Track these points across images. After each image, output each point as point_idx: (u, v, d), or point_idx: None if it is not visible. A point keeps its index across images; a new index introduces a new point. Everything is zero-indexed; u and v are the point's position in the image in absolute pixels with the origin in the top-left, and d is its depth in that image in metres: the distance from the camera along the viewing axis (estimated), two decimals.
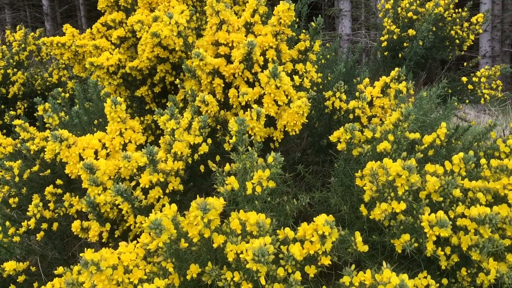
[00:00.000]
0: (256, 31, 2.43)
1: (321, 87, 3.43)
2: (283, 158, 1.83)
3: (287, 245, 1.49)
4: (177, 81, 2.64)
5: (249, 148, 1.87)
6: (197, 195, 1.63)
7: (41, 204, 2.42)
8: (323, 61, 4.17)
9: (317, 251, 1.46)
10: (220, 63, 2.30)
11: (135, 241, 1.60)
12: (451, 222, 1.53)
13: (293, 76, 2.43)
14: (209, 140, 2.19)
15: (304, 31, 2.68)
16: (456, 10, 4.98)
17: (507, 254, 1.64)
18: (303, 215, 2.22)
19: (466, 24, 4.95)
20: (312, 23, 2.47)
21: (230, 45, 2.35)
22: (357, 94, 2.57)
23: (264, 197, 1.78)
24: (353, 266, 1.43)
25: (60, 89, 3.65)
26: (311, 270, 1.50)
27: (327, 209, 2.10)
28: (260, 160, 1.87)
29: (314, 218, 1.47)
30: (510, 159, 1.82)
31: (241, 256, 1.42)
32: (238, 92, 2.27)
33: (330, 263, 1.50)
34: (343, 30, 11.29)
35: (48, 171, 2.63)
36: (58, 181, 2.53)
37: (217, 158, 2.28)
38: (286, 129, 2.23)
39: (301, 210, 2.07)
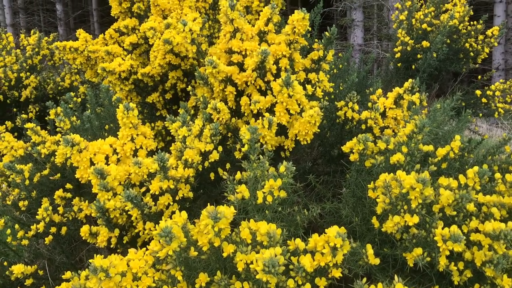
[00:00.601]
0: (269, 40, 2.43)
1: (333, 97, 3.41)
2: (294, 168, 1.82)
3: (298, 256, 1.47)
4: (189, 88, 2.64)
5: (261, 156, 1.86)
6: (207, 203, 1.62)
7: (50, 208, 2.42)
8: (335, 70, 4.16)
9: (328, 263, 1.44)
10: (233, 71, 2.30)
11: (144, 248, 1.59)
12: (464, 237, 1.50)
13: (306, 85, 2.42)
14: (220, 148, 2.18)
15: (316, 40, 2.68)
16: (471, 23, 4.95)
17: None
18: (313, 226, 2.20)
19: (481, 37, 4.91)
20: (326, 32, 2.46)
21: (243, 53, 2.35)
22: (369, 104, 2.55)
23: (274, 206, 1.76)
24: (364, 279, 1.40)
25: (72, 94, 3.67)
26: (322, 283, 1.47)
27: (338, 221, 2.07)
28: (271, 169, 1.85)
29: (326, 230, 1.45)
30: None
31: (251, 266, 1.40)
32: (250, 100, 2.26)
33: (341, 275, 1.47)
34: (355, 40, 11.28)
35: (58, 175, 2.64)
36: (68, 185, 2.53)
37: (228, 166, 2.26)
38: (298, 138, 2.22)
39: (311, 220, 2.04)
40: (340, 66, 4.27)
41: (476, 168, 1.70)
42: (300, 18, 2.27)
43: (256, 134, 1.80)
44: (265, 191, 1.72)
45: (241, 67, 2.36)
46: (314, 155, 3.02)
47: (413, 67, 4.65)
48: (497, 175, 1.84)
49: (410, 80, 2.46)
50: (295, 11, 2.28)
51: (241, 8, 3.09)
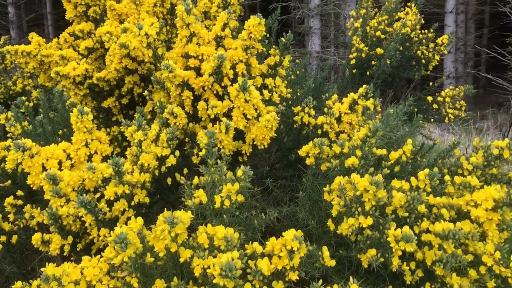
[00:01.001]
0: (226, 45, 2.44)
1: (290, 102, 3.45)
2: (252, 172, 1.83)
3: (255, 260, 1.48)
4: (145, 92, 2.61)
5: (218, 161, 1.86)
6: (164, 208, 1.60)
7: (0, 215, 2.33)
8: (292, 76, 4.21)
9: (285, 266, 1.45)
10: (189, 75, 2.29)
11: (98, 255, 1.55)
12: (416, 237, 1.55)
13: (263, 90, 2.44)
14: (177, 153, 2.16)
15: (274, 46, 2.71)
16: (423, 31, 5.13)
17: (469, 269, 1.66)
18: (271, 230, 2.21)
19: (431, 45, 5.10)
20: (282, 38, 2.49)
21: (200, 58, 2.34)
22: (325, 110, 2.60)
23: (232, 211, 1.77)
24: (320, 282, 1.42)
25: (24, 98, 3.55)
26: (279, 286, 1.48)
27: (295, 224, 2.10)
28: (229, 173, 1.85)
29: (283, 233, 1.47)
30: (473, 176, 1.86)
31: (208, 271, 1.40)
32: (207, 105, 2.26)
33: (298, 278, 1.49)
34: (312, 48, 11.47)
35: (9, 181, 2.55)
36: (19, 192, 2.45)
37: (185, 170, 2.25)
38: (255, 142, 2.23)
39: (269, 224, 2.06)
40: (297, 72, 4.32)
41: (426, 170, 1.76)
42: (256, 24, 2.29)
43: (213, 138, 1.80)
44: (222, 195, 1.72)
45: (198, 71, 2.35)
46: (272, 160, 3.04)
47: (368, 73, 4.77)
48: (447, 178, 1.91)
49: (364, 86, 2.52)
50: (251, 16, 2.30)
51: (198, 13, 3.09)
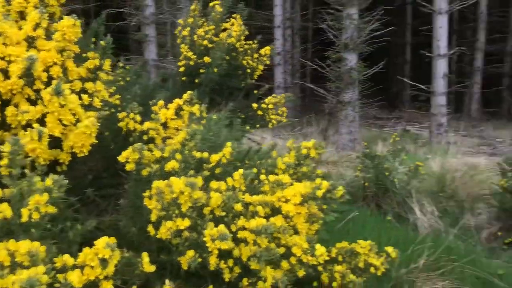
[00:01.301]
0: (39, 46, 2.27)
1: (119, 109, 3.35)
2: (66, 181, 1.72)
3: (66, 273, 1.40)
4: None
5: (27, 171, 1.71)
6: None
7: None
8: (121, 82, 4.09)
9: (98, 276, 1.40)
10: None
11: None
12: (231, 235, 1.61)
13: (82, 95, 2.32)
14: None
15: (97, 50, 2.60)
16: (248, 42, 5.38)
17: (282, 261, 1.79)
18: (91, 241, 2.11)
19: (256, 55, 5.38)
20: (102, 42, 2.41)
21: (7, 59, 2.14)
22: (152, 115, 2.58)
23: (43, 224, 1.64)
24: (134, 287, 1.40)
25: None
26: None
27: (117, 233, 2.03)
28: (39, 183, 1.72)
29: (94, 242, 1.41)
30: (285, 174, 2.01)
31: None
32: (18, 110, 2.08)
33: (113, 287, 1.44)
34: (149, 56, 11.38)
35: None
36: None
37: None
38: (74, 150, 2.11)
39: (88, 236, 1.96)
40: (128, 79, 4.22)
41: (241, 170, 1.84)
42: (70, 25, 2.17)
43: (18, 145, 1.65)
44: (30, 208, 1.59)
45: (6, 74, 2.15)
46: (98, 168, 2.92)
47: (197, 81, 4.86)
48: (262, 177, 2.03)
49: (188, 92, 2.57)
50: (65, 17, 2.18)
51: (14, 13, 2.83)
